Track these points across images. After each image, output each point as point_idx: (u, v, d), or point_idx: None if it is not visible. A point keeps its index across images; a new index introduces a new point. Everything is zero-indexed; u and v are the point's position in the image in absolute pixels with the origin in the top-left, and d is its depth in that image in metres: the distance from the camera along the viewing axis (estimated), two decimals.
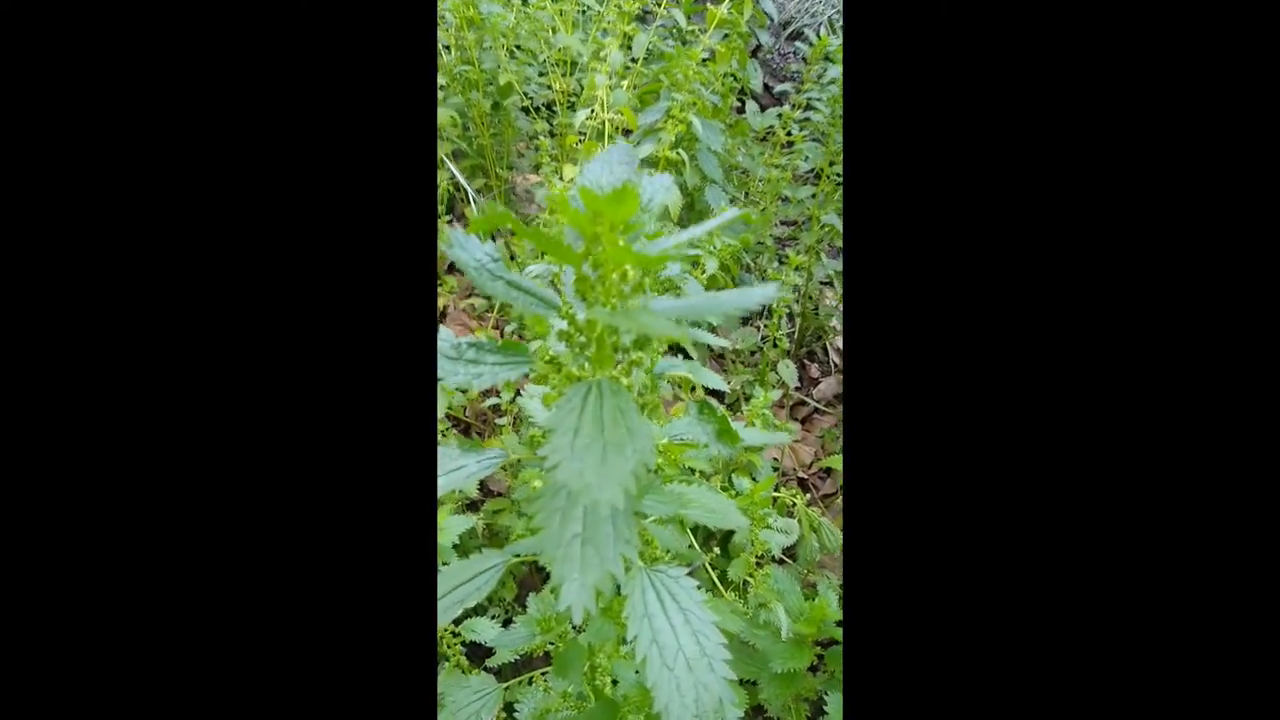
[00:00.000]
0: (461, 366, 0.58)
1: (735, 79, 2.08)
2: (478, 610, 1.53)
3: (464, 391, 1.87)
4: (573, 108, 2.18)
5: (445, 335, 0.59)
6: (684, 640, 0.62)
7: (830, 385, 2.21)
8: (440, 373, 0.57)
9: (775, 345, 1.95)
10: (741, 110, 2.32)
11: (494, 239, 0.58)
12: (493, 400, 1.80)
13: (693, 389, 1.63)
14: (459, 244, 0.55)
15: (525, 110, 2.33)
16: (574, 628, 0.88)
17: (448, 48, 2.42)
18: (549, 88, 2.29)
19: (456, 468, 0.64)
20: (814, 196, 2.09)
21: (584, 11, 2.46)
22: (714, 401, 0.64)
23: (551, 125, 2.27)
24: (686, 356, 1.58)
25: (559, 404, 0.52)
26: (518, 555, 0.70)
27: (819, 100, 1.98)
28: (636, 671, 0.84)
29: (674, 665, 0.61)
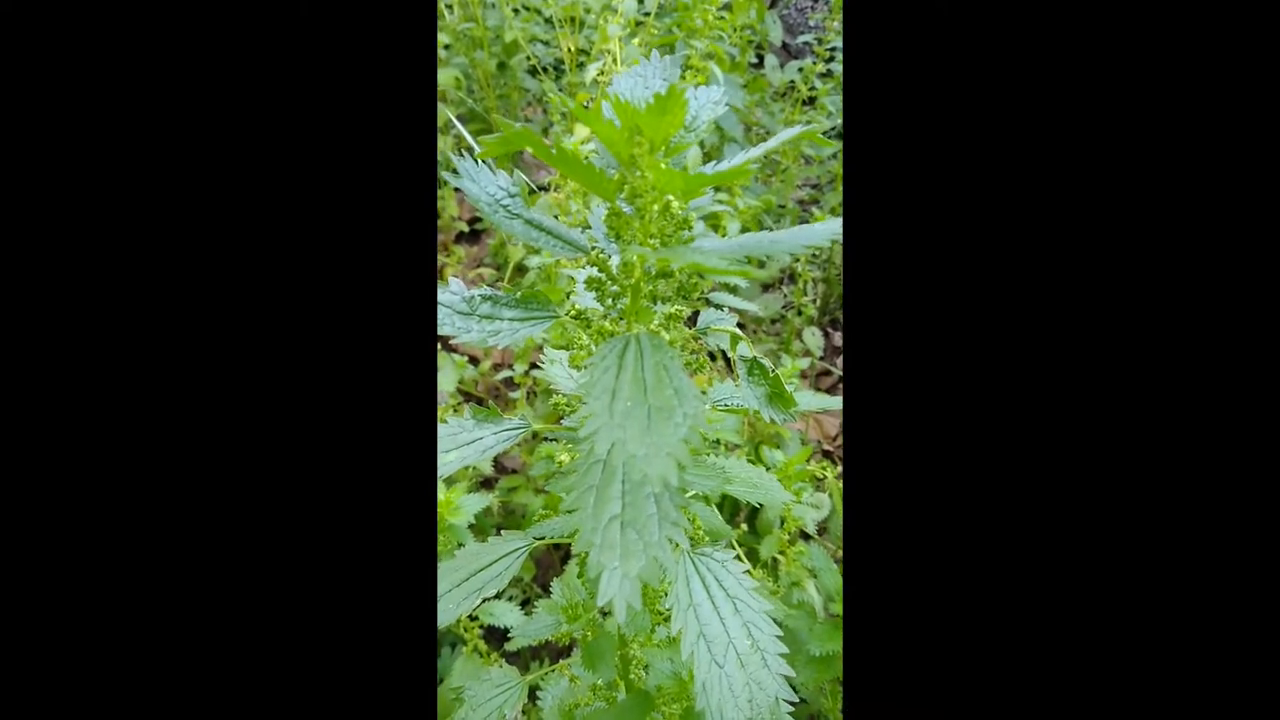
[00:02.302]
0: (475, 323, 0.50)
1: (754, 31, 1.97)
2: None
3: (475, 364, 1.79)
4: (582, 66, 2.07)
5: (456, 287, 0.51)
6: (734, 633, 0.55)
7: None
8: (451, 330, 0.49)
9: (800, 313, 1.86)
10: (759, 66, 2.21)
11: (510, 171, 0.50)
12: (505, 373, 1.73)
13: (722, 355, 1.54)
14: (469, 175, 0.46)
15: (532, 71, 2.23)
16: (603, 613, 0.80)
17: (450, 7, 2.31)
18: (556, 47, 2.18)
19: (473, 440, 0.56)
20: (836, 156, 1.98)
21: None
22: (766, 361, 0.55)
23: (560, 85, 2.17)
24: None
25: (591, 361, 0.44)
26: (542, 538, 0.62)
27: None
28: (670, 660, 0.77)
29: (725, 661, 0.53)
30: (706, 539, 0.63)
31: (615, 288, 0.49)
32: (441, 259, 2.05)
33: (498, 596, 1.45)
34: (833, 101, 1.90)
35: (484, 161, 0.47)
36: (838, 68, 1.88)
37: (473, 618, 1.19)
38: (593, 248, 0.49)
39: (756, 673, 0.54)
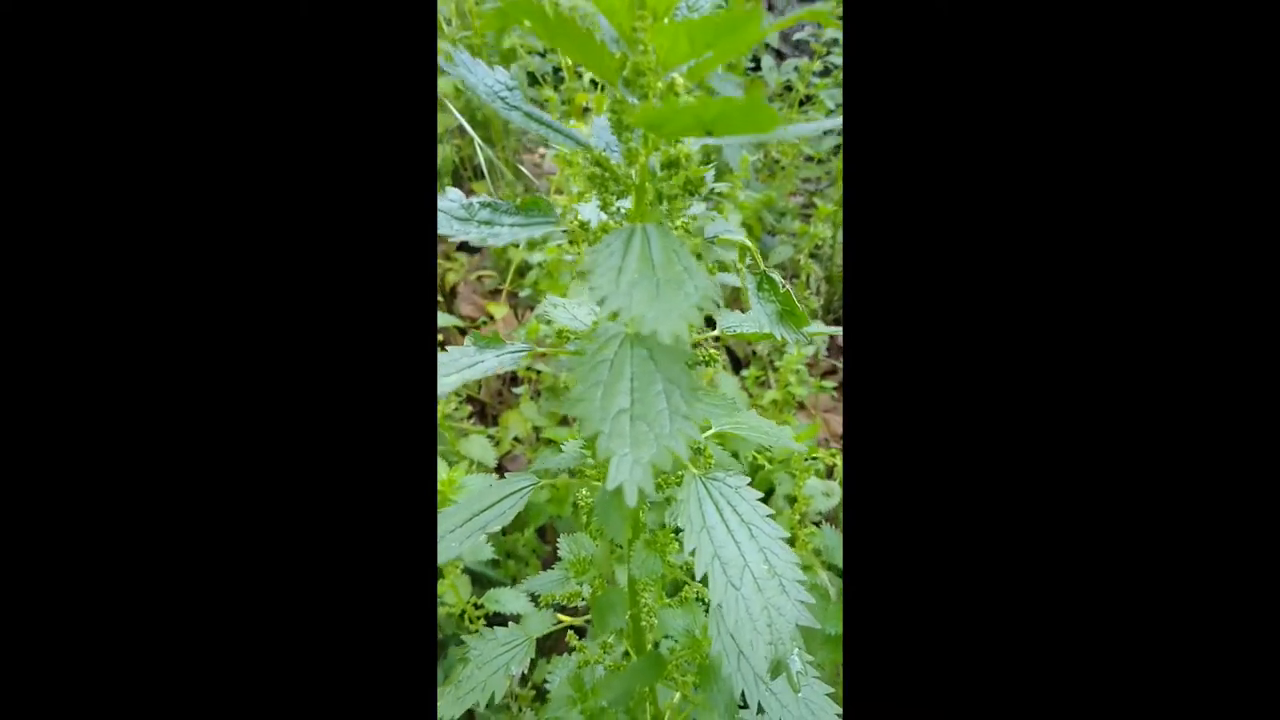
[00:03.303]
0: (473, 227, 0.48)
1: None
2: (500, 584, 1.43)
3: None
4: (579, 74, 2.09)
5: (454, 195, 0.50)
6: (751, 557, 0.52)
7: None
8: (449, 232, 0.48)
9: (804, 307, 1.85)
10: (756, 68, 2.23)
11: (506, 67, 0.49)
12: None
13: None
14: (466, 66, 0.45)
15: (531, 79, 2.24)
16: (607, 580, 0.77)
17: (449, 20, 2.34)
18: (554, 54, 2.20)
19: (474, 363, 0.54)
20: (838, 150, 1.98)
21: None
22: (776, 275, 0.54)
23: (559, 92, 2.18)
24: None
25: (595, 248, 0.42)
26: (547, 471, 0.60)
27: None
28: (682, 617, 0.74)
29: (741, 584, 0.51)
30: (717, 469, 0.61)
31: (619, 186, 0.47)
32: (444, 265, 2.05)
33: (503, 587, 1.41)
34: (830, 96, 1.90)
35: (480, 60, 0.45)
36: (835, 60, 1.89)
37: (478, 606, 1.16)
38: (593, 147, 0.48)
39: (774, 598, 0.51)
